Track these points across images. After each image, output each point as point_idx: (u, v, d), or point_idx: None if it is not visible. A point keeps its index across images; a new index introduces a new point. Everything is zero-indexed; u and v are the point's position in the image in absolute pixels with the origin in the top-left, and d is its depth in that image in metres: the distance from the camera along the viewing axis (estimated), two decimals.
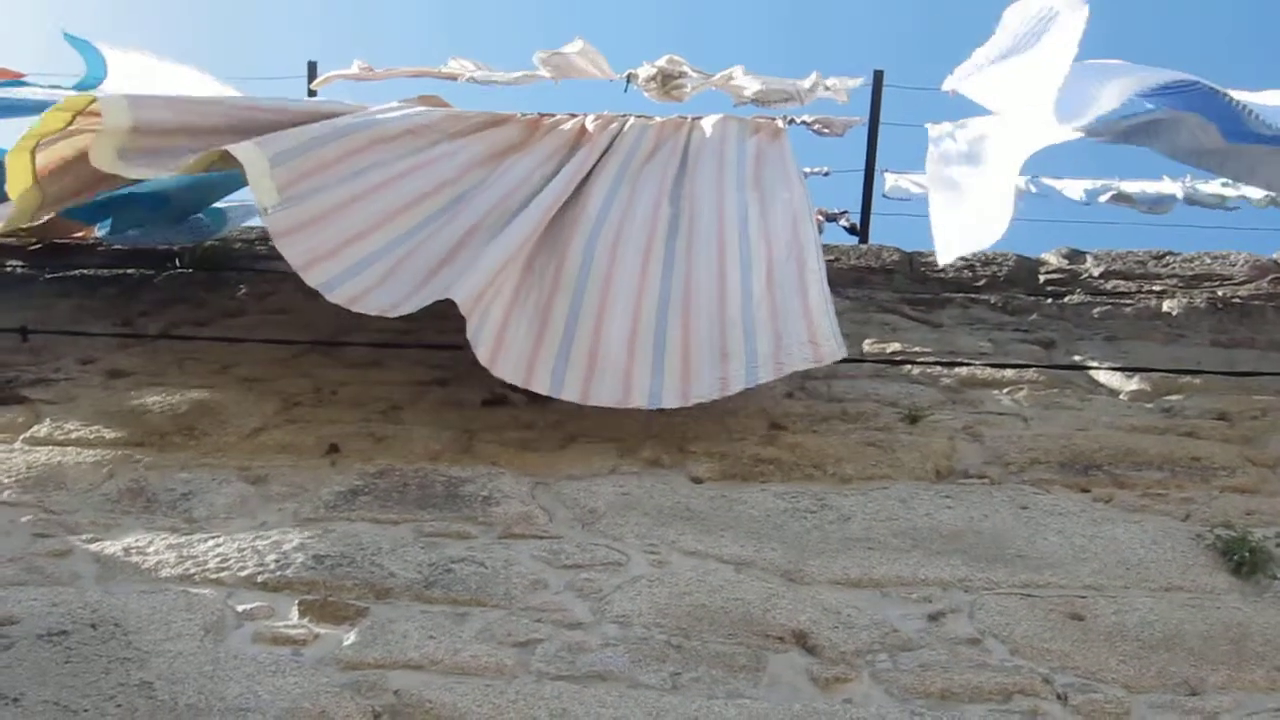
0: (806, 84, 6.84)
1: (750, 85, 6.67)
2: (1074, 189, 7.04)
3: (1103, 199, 6.96)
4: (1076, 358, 5.53)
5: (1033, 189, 7.13)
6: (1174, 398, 5.13)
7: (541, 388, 4.64)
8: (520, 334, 4.72)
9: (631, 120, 5.97)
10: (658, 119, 6.07)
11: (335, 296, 4.68)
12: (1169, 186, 6.92)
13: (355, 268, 4.76)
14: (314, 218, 4.77)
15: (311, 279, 4.68)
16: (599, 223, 5.18)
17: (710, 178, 5.56)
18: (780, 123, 6.27)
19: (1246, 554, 3.97)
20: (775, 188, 5.52)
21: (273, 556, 3.92)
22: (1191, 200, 6.95)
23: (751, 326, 4.76)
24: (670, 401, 4.62)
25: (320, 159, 4.92)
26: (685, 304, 4.85)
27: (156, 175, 5.04)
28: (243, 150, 4.74)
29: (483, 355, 4.55)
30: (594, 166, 5.53)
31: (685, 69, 6.55)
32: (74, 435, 4.81)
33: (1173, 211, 7.03)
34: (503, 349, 4.64)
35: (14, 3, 16.19)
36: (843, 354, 4.77)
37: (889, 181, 7.27)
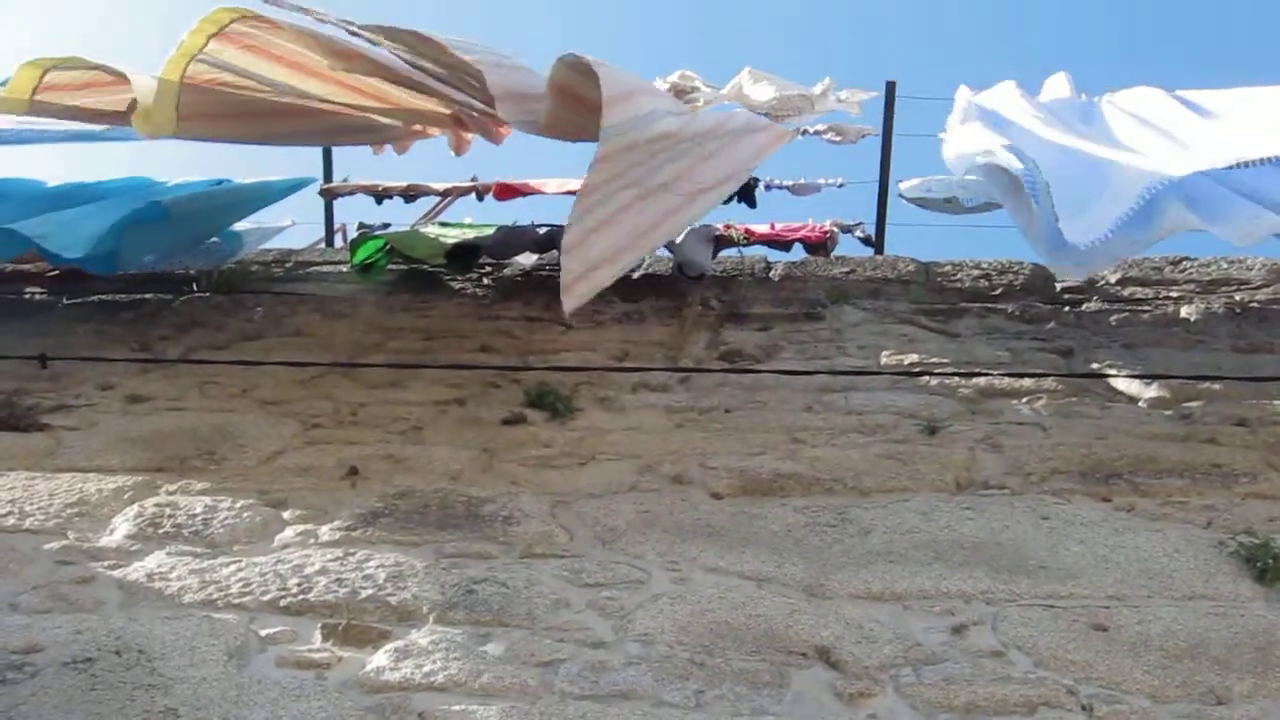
0: (818, 90, 6.85)
1: (762, 95, 6.68)
2: None
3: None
4: (1095, 365, 5.52)
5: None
6: (1194, 404, 5.12)
7: None
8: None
9: None
10: None
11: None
12: None
13: None
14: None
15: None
16: None
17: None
18: (792, 132, 6.30)
19: (1270, 561, 3.95)
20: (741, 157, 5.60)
21: (294, 580, 3.92)
22: None
23: None
24: None
25: None
26: None
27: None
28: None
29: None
30: None
31: (698, 84, 6.56)
32: (95, 461, 4.83)
33: None
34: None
35: (10, 3, 16.37)
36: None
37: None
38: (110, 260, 6.21)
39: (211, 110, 5.26)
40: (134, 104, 4.95)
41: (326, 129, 6.21)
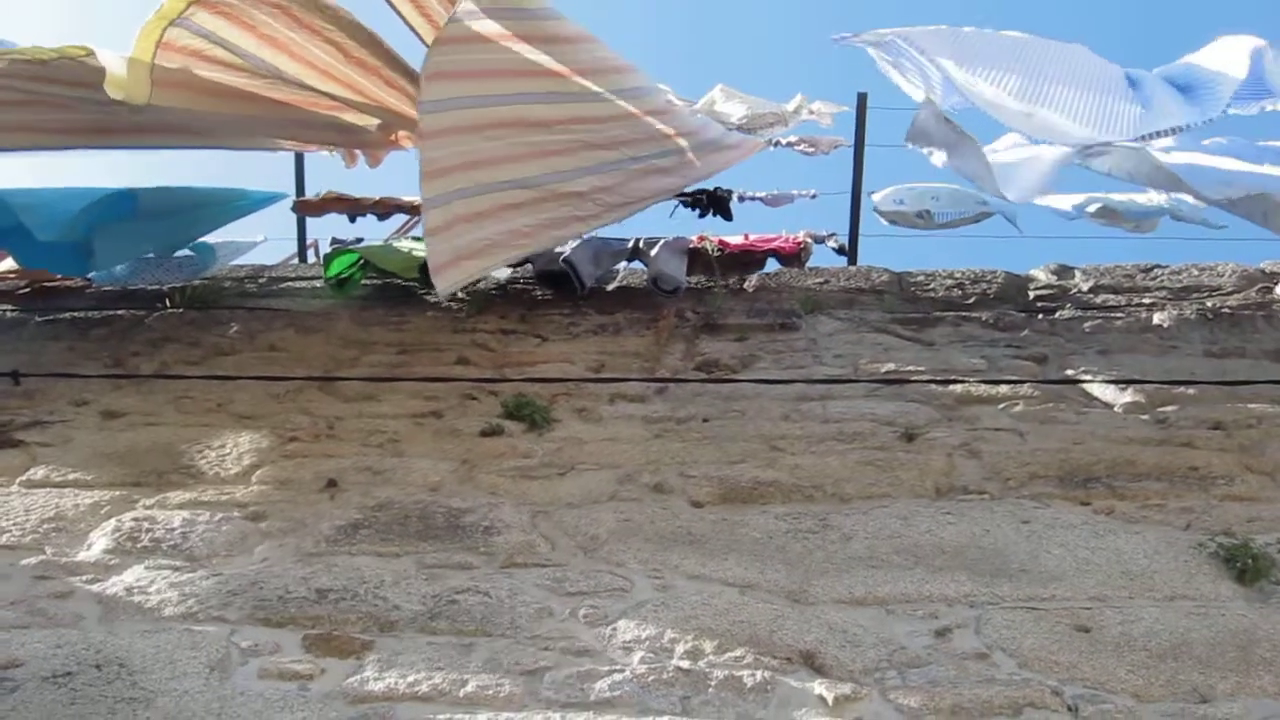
0: (791, 106, 6.90)
1: (736, 110, 6.72)
2: (1062, 202, 7.06)
3: (1091, 209, 6.97)
4: (1070, 372, 5.54)
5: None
6: (1169, 409, 5.14)
7: None
8: None
9: None
10: None
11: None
12: (1156, 199, 6.93)
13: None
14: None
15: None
16: None
17: None
18: (765, 144, 6.36)
19: (1249, 561, 3.98)
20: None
21: (275, 592, 3.90)
22: (1177, 217, 6.97)
23: None
24: None
25: None
26: None
27: None
28: None
29: None
30: None
31: (671, 98, 6.58)
32: (71, 477, 4.79)
33: (1159, 224, 7.07)
34: None
35: None
36: None
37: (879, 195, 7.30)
38: (80, 257, 6.17)
39: (183, 81, 5.17)
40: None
41: (296, 121, 6.09)
